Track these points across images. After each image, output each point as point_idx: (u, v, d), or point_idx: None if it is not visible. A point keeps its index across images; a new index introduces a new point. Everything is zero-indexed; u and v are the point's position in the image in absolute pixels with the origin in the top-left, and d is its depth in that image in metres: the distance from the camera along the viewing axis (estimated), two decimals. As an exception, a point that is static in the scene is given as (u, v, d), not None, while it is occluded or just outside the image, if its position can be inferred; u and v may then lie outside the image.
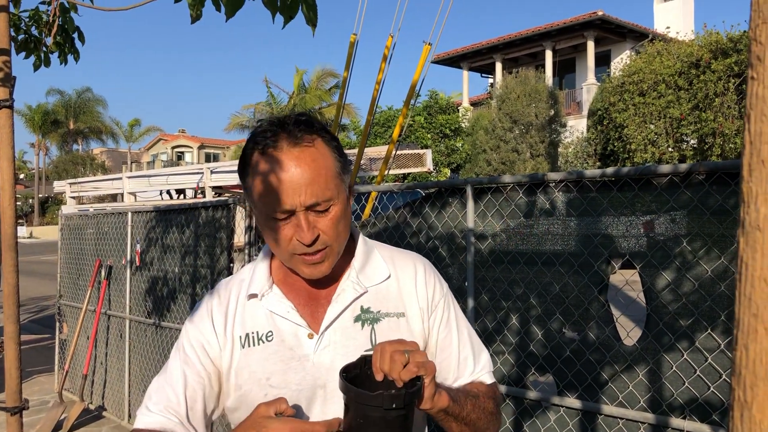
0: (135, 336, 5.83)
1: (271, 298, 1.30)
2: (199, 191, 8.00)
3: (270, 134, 1.19)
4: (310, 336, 1.26)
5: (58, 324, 7.13)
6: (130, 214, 5.81)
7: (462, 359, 1.35)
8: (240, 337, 1.30)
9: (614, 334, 2.66)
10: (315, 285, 1.31)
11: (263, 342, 1.28)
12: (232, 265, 4.74)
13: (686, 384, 2.44)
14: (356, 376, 1.13)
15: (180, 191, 8.77)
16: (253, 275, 1.35)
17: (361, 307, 1.29)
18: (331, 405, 1.24)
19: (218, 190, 7.93)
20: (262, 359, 1.27)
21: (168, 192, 9.03)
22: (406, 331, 1.28)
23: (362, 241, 1.37)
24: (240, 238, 4.72)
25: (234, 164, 8.12)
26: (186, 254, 5.14)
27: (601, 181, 2.68)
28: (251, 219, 4.49)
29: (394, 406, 1.03)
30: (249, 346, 1.29)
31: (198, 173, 7.94)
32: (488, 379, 1.37)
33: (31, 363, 8.32)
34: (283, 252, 1.23)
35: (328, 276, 1.29)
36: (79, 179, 10.32)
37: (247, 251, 4.50)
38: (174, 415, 1.26)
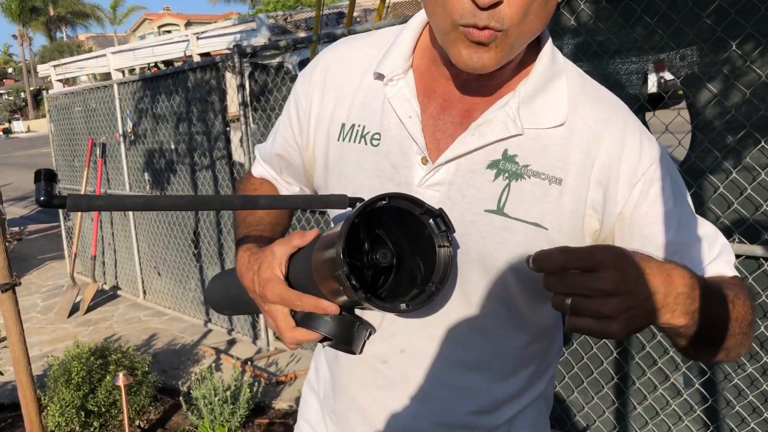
0: (139, 213, 5.67)
1: (398, 90, 0.97)
2: (186, 60, 7.57)
3: None
4: (424, 161, 0.94)
5: (61, 210, 6.98)
6: (116, 86, 5.47)
7: (688, 243, 0.93)
8: (343, 124, 1.02)
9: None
10: (461, 91, 0.95)
11: (365, 143, 0.99)
12: (228, 129, 4.46)
13: (735, 205, 2.21)
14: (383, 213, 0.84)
15: (167, 63, 8.32)
16: (392, 46, 1.00)
17: (505, 151, 0.92)
18: None
19: (206, 57, 7.49)
20: (356, 165, 0.99)
21: (156, 65, 8.59)
22: (553, 204, 0.91)
23: (550, 56, 0.95)
24: (233, 104, 4.40)
25: (221, 27, 7.63)
26: (179, 122, 4.85)
27: (634, -13, 2.32)
28: (242, 77, 4.15)
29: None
30: (348, 140, 1.01)
31: (184, 41, 7.47)
32: (729, 271, 0.93)
33: (42, 251, 8.30)
34: (445, 19, 0.84)
35: (481, 88, 0.93)
36: (63, 60, 9.84)
37: (242, 113, 4.19)
38: (274, 170, 1.21)
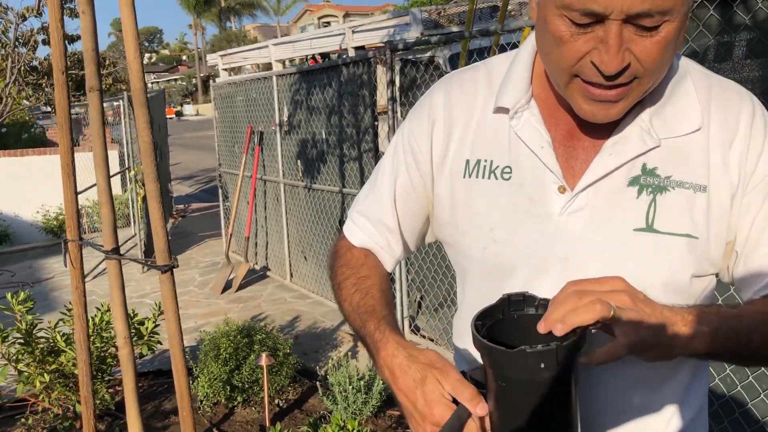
0: (290, 199, 5.94)
1: (525, 121, 0.94)
2: (341, 53, 7.80)
3: None
4: (561, 190, 0.91)
5: (221, 191, 7.47)
6: (275, 78, 5.74)
7: None
8: (467, 160, 0.99)
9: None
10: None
11: (496, 177, 0.96)
12: (376, 123, 4.55)
13: None
14: (498, 323, 0.83)
15: (324, 56, 8.63)
16: (508, 77, 0.97)
17: (644, 166, 0.89)
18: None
19: (361, 51, 7.67)
20: (489, 200, 0.96)
21: (313, 57, 8.92)
22: (700, 213, 0.88)
23: (673, 61, 0.91)
24: (382, 98, 4.48)
25: (376, 21, 7.78)
26: (331, 114, 5.01)
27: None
28: (392, 73, 4.21)
29: (542, 366, 0.73)
30: (476, 176, 0.98)
31: (340, 34, 7.70)
32: None
33: (203, 228, 8.92)
34: (561, 71, 0.82)
35: None
36: (229, 50, 10.49)
37: (390, 108, 4.26)
38: (380, 234, 1.09)
